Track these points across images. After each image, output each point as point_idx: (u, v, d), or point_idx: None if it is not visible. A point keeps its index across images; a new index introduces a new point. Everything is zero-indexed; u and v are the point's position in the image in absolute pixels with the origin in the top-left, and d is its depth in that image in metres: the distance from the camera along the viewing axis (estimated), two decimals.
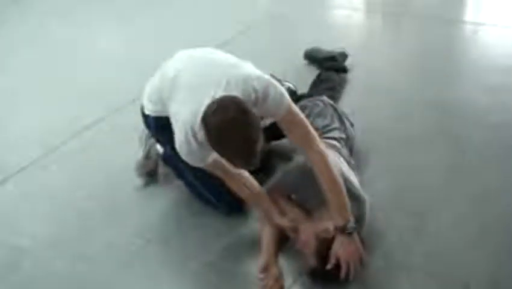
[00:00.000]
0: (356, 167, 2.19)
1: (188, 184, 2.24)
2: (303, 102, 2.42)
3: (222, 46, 3.38)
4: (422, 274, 1.86)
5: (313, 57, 3.24)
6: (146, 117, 2.16)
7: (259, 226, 2.07)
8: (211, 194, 2.17)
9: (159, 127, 2.11)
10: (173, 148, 2.04)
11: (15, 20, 4.63)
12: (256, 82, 1.82)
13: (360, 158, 2.35)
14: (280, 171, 2.13)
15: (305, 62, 3.28)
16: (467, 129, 2.63)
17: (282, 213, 2.01)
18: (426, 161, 2.43)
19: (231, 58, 1.98)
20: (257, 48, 3.51)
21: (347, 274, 1.78)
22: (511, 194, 2.19)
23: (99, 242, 2.14)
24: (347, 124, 2.39)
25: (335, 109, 2.41)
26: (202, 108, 1.73)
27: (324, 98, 2.45)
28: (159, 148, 2.38)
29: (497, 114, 2.71)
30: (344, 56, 3.19)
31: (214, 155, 1.87)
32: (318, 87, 2.86)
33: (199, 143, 1.79)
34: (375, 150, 2.47)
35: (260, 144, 1.69)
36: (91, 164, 2.60)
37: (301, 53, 3.31)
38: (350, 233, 1.81)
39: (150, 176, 2.42)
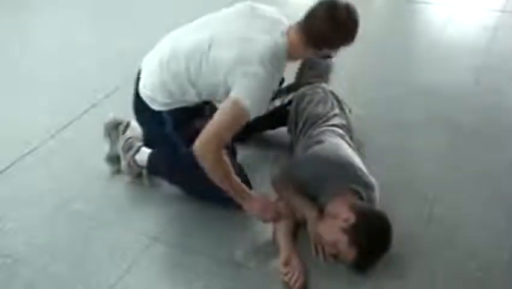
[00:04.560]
0: (359, 153, 2.18)
1: (192, 184, 2.11)
2: (302, 90, 2.39)
3: None
4: (432, 261, 1.88)
5: None
6: (158, 114, 2.00)
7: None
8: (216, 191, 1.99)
9: (179, 122, 2.00)
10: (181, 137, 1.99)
11: None
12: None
13: (358, 144, 2.31)
14: (294, 160, 2.10)
15: None
16: (459, 111, 2.68)
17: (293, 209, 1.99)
18: (424, 145, 2.47)
19: None
20: None
21: None
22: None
23: (100, 244, 2.03)
24: (346, 110, 2.37)
25: (335, 96, 2.38)
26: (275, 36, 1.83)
27: (324, 85, 2.43)
28: (140, 159, 2.24)
29: (483, 96, 2.78)
30: None
31: None
32: (305, 74, 2.81)
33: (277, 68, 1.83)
34: (371, 136, 2.48)
35: None
36: (77, 163, 2.45)
37: None
38: None
39: (138, 177, 2.30)
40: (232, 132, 1.82)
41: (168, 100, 1.96)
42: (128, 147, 2.27)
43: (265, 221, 1.96)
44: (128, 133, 2.32)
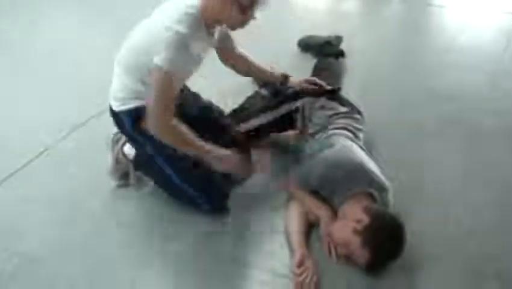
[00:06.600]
0: (372, 156, 2.16)
1: (166, 184, 2.13)
2: (300, 103, 2.39)
3: None
4: (448, 265, 1.85)
5: (308, 45, 3.19)
6: (116, 115, 2.07)
7: (285, 220, 2.02)
8: (194, 191, 2.07)
9: (136, 120, 2.01)
10: (154, 145, 2.01)
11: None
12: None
13: (371, 148, 2.31)
14: (307, 164, 2.09)
15: (298, 49, 3.23)
16: (476, 115, 2.65)
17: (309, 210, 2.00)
18: (438, 150, 2.44)
19: None
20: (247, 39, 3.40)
21: None
22: None
23: (115, 244, 2.03)
24: (356, 111, 2.36)
25: (337, 99, 2.39)
26: None
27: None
28: (128, 151, 2.26)
29: (500, 101, 2.75)
30: (339, 39, 3.16)
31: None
32: (319, 76, 2.80)
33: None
34: (384, 140, 2.46)
35: None
36: (91, 162, 2.44)
37: (291, 40, 3.25)
38: None
39: (125, 178, 2.31)
40: (171, 97, 1.86)
41: (124, 95, 2.01)
42: (116, 139, 2.29)
43: (238, 175, 2.10)
44: None
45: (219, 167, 2.01)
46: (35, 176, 2.41)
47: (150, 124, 1.90)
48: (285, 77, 2.41)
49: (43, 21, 4.17)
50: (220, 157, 2.01)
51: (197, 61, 1.96)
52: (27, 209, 2.22)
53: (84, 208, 2.19)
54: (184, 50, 1.80)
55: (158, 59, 1.79)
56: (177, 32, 1.77)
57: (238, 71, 2.38)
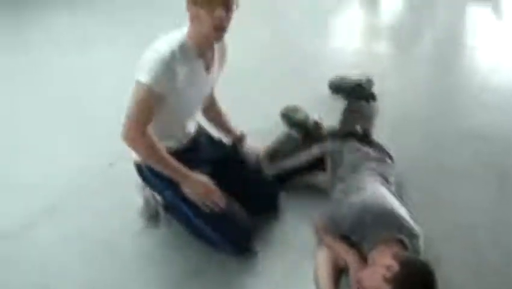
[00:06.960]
0: (403, 201, 2.15)
1: (192, 228, 2.16)
2: (330, 145, 2.42)
3: None
4: None
5: (339, 87, 3.21)
6: (138, 167, 2.17)
7: (315, 265, 2.02)
8: (218, 235, 2.09)
9: (155, 173, 2.09)
10: (173, 190, 2.07)
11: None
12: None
13: (402, 192, 2.31)
14: (336, 208, 2.10)
15: (329, 91, 3.26)
16: (508, 157, 2.62)
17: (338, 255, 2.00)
18: (470, 193, 2.42)
19: None
20: (278, 79, 3.50)
21: None
22: None
23: (140, 280, 2.06)
24: (386, 157, 2.37)
25: (367, 142, 2.40)
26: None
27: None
28: (158, 196, 2.31)
29: None
30: (370, 82, 3.17)
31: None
32: (349, 118, 2.82)
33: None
34: (415, 183, 2.45)
35: None
36: (120, 200, 2.45)
37: (322, 81, 3.28)
38: None
39: (155, 218, 2.34)
40: (145, 111, 1.89)
41: None
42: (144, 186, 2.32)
43: (203, 204, 2.03)
44: None
45: (192, 192, 2.03)
46: (65, 213, 2.41)
47: (122, 134, 1.93)
48: (239, 140, 2.46)
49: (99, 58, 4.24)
50: (194, 182, 2.03)
51: (192, 89, 2.00)
52: (55, 245, 2.24)
53: (113, 245, 2.22)
54: (167, 70, 1.87)
55: (140, 75, 1.87)
56: (159, 53, 1.88)
57: (210, 122, 2.49)
